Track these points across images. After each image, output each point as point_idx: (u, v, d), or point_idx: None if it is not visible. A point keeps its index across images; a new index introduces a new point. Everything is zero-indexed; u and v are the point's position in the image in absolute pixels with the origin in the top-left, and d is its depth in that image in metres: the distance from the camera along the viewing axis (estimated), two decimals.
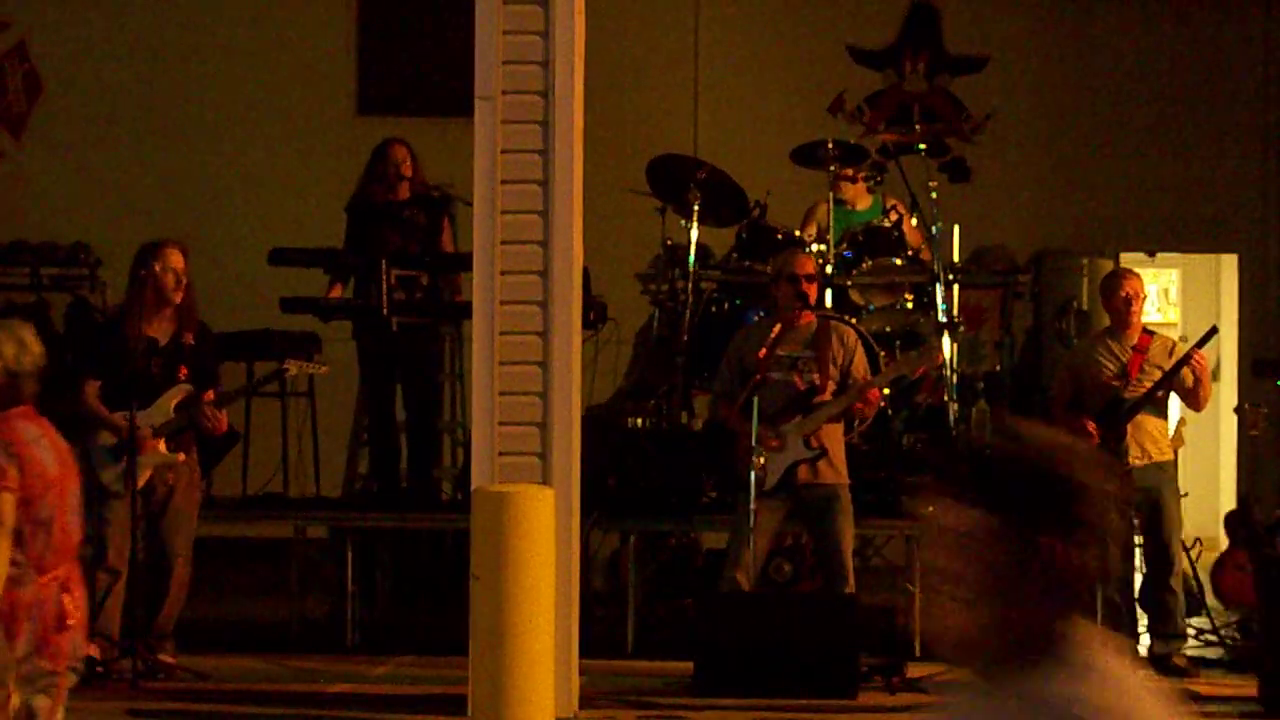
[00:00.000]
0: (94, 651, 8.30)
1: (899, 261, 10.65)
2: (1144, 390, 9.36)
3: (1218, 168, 14.18)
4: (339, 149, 12.94)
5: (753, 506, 8.76)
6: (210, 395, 9.15)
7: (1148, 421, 9.40)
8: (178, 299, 9.15)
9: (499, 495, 7.76)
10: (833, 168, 10.74)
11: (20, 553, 5.78)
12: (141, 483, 9.05)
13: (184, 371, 9.13)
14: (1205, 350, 9.49)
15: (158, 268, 9.13)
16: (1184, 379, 9.40)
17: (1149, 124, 14.17)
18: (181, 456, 9.10)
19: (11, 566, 5.75)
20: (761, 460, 8.82)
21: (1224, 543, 11.23)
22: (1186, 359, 9.32)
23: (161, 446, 9.05)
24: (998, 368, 11.87)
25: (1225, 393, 13.87)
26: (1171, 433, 9.72)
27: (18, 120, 14.30)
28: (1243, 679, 8.95)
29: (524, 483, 8.02)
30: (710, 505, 10.18)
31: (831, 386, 9.11)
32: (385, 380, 10.67)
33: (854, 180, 10.99)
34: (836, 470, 9.10)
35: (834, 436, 9.15)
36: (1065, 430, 2.77)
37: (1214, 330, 9.74)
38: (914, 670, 9.01)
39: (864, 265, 10.61)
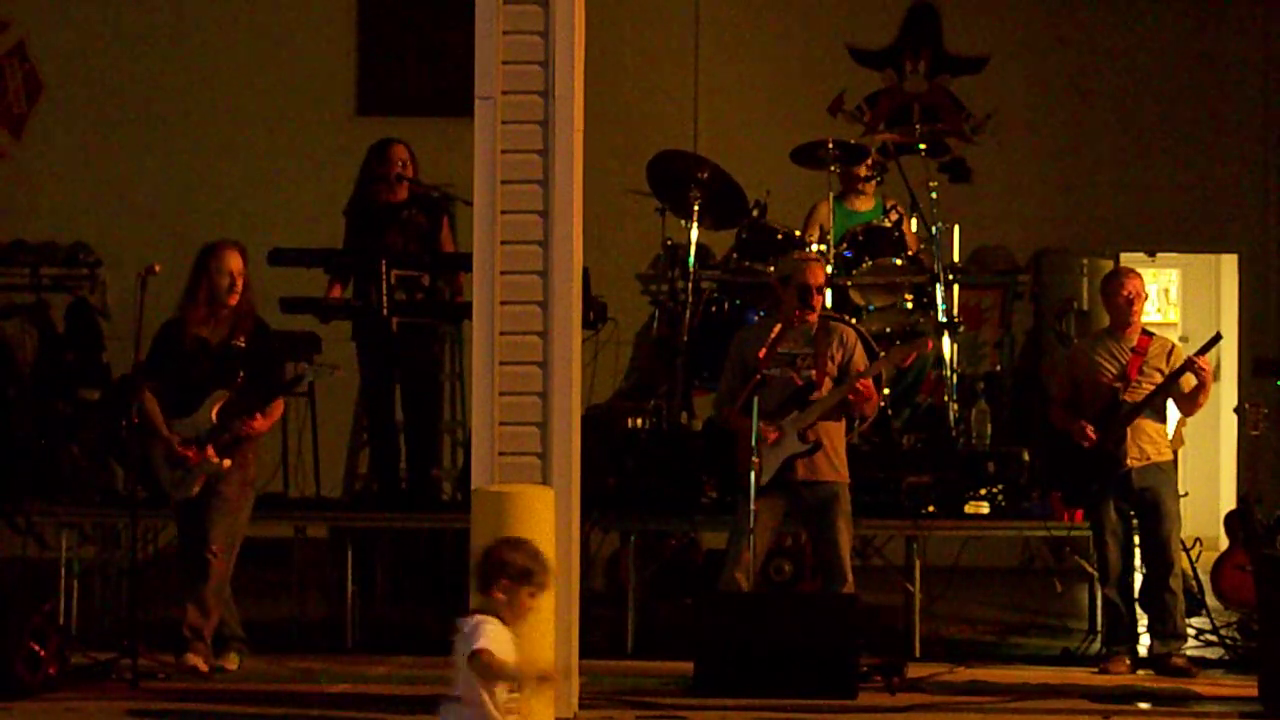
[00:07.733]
0: None
1: (899, 261, 10.65)
2: (1143, 393, 9.34)
3: (1218, 168, 14.19)
4: (339, 149, 12.93)
5: (753, 506, 8.75)
6: (257, 423, 9.15)
7: (1145, 423, 9.39)
8: (232, 301, 9.18)
9: (499, 495, 7.75)
10: (834, 168, 10.73)
11: None
12: (195, 490, 9.10)
13: (240, 376, 9.16)
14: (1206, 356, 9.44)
15: (213, 268, 9.18)
16: (1182, 385, 9.38)
17: (1149, 124, 14.18)
18: (228, 463, 9.07)
19: None
20: (758, 460, 8.83)
21: (1224, 543, 11.23)
22: (1188, 365, 9.29)
23: (211, 453, 9.06)
24: (998, 368, 11.89)
25: (1225, 393, 13.87)
26: (1171, 433, 9.71)
27: (18, 120, 14.31)
28: (1243, 679, 8.94)
29: (524, 483, 8.01)
30: (710, 505, 10.19)
31: (829, 384, 9.11)
32: (385, 380, 10.66)
33: (862, 184, 10.99)
34: (836, 469, 9.09)
35: (835, 435, 9.14)
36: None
37: (1218, 337, 9.71)
38: (914, 670, 9.02)
39: (864, 265, 10.61)
